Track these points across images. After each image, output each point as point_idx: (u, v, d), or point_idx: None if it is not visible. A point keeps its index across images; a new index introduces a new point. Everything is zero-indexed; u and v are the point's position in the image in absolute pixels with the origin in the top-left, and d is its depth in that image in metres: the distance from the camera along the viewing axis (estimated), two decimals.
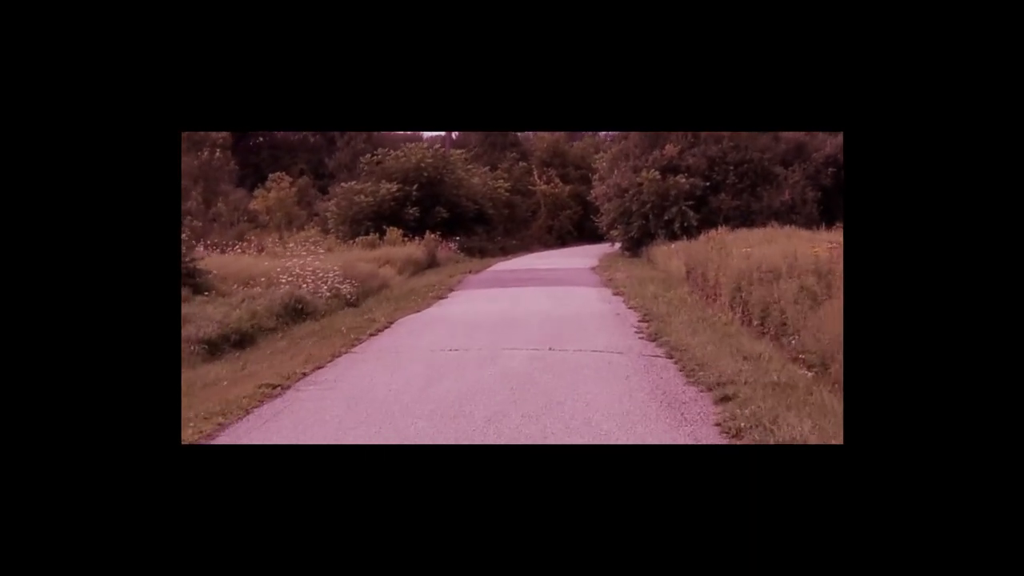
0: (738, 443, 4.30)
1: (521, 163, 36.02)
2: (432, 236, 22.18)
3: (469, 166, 29.57)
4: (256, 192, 29.35)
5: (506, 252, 28.24)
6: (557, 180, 36.09)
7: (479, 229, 28.01)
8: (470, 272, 18.87)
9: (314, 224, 25.45)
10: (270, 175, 30.17)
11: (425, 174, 25.84)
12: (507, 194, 31.55)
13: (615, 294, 12.56)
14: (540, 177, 35.72)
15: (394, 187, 24.97)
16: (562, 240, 34.94)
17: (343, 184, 26.75)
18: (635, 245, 21.90)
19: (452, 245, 24.25)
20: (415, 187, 25.37)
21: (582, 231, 34.31)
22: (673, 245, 17.15)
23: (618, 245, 24.27)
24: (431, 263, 20.57)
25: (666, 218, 20.39)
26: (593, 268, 18.94)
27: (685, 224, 19.97)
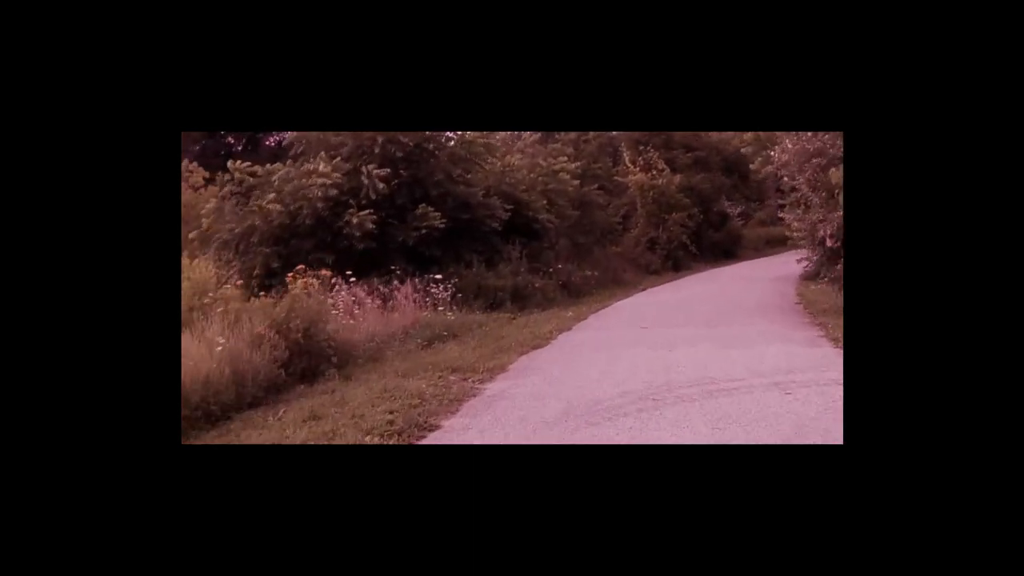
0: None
1: (600, 134, 20.39)
2: (312, 287, 7.77)
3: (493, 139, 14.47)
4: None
5: (572, 293, 13.89)
6: (662, 165, 20.32)
7: (512, 250, 12.93)
8: None
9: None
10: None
11: (403, 140, 12.01)
12: (576, 183, 15.73)
13: None
14: (634, 162, 20.40)
15: (329, 169, 11.07)
16: (674, 263, 19.82)
17: (234, 162, 11.94)
18: None
19: (441, 290, 10.53)
20: (380, 166, 11.58)
21: (701, 245, 21.01)
22: None
23: (801, 261, 12.32)
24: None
25: None
26: None
27: None
